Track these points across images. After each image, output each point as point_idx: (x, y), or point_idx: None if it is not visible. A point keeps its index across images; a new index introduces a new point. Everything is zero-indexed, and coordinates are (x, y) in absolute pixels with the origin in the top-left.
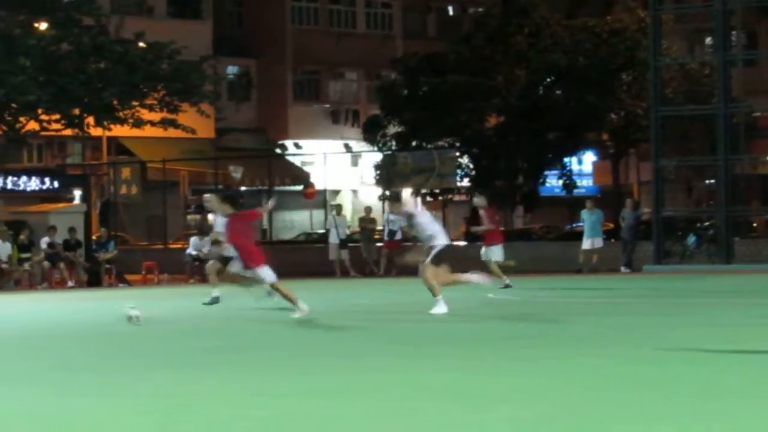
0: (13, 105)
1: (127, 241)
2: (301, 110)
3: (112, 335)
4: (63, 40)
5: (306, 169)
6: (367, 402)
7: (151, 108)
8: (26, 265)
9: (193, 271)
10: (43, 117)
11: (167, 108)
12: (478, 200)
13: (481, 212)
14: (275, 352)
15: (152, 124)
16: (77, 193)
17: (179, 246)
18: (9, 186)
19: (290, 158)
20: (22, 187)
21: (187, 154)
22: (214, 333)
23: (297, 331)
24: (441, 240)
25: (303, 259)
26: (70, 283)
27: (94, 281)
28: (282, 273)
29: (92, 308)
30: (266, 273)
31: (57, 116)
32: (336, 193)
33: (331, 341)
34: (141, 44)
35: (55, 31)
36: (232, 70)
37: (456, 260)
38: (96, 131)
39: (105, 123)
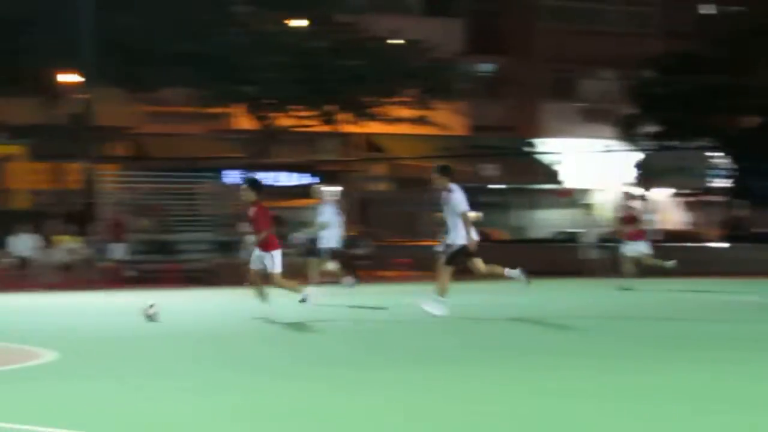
0: (268, 101)
1: (380, 238)
2: (553, 108)
3: (364, 331)
4: (318, 37)
5: (557, 167)
6: (612, 404)
7: (404, 105)
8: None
9: None
10: (298, 113)
11: (420, 105)
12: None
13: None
14: (516, 350)
15: (405, 121)
16: (330, 190)
17: (431, 243)
18: (264, 181)
19: (541, 157)
20: (275, 183)
21: (440, 152)
22: (458, 330)
23: (543, 330)
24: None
25: (555, 259)
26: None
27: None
28: (534, 271)
29: (344, 304)
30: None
31: (311, 113)
32: (588, 192)
33: (577, 341)
34: (395, 41)
35: (310, 27)
36: (484, 67)
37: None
38: (349, 128)
39: (357, 120)
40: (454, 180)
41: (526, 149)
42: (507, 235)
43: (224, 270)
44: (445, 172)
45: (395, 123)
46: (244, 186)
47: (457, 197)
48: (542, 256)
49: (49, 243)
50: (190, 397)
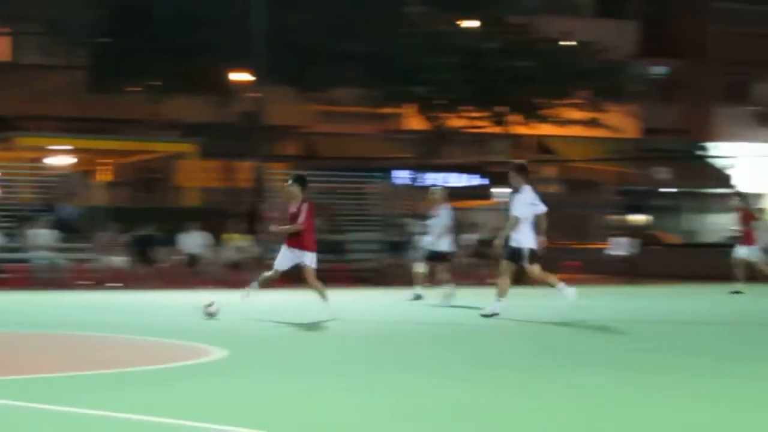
0: (439, 102)
1: (549, 240)
2: (726, 112)
3: (534, 332)
4: (490, 38)
5: (729, 171)
6: None
7: (575, 107)
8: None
9: (615, 271)
10: (468, 114)
11: (592, 107)
12: None
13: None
14: (697, 357)
15: (576, 123)
16: (500, 191)
17: (601, 246)
18: (433, 181)
19: (713, 160)
20: (446, 183)
21: (611, 154)
22: (633, 333)
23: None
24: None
25: (725, 263)
26: (493, 280)
27: (517, 279)
28: (703, 276)
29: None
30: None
31: (481, 114)
32: (761, 197)
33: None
34: (567, 43)
35: (482, 28)
36: (657, 70)
37: None
38: (519, 129)
39: (529, 121)
40: (528, 180)
41: (699, 153)
42: (678, 239)
43: (393, 270)
44: (521, 170)
45: (566, 125)
46: (290, 182)
47: (523, 198)
48: (714, 261)
49: (218, 241)
50: (356, 396)
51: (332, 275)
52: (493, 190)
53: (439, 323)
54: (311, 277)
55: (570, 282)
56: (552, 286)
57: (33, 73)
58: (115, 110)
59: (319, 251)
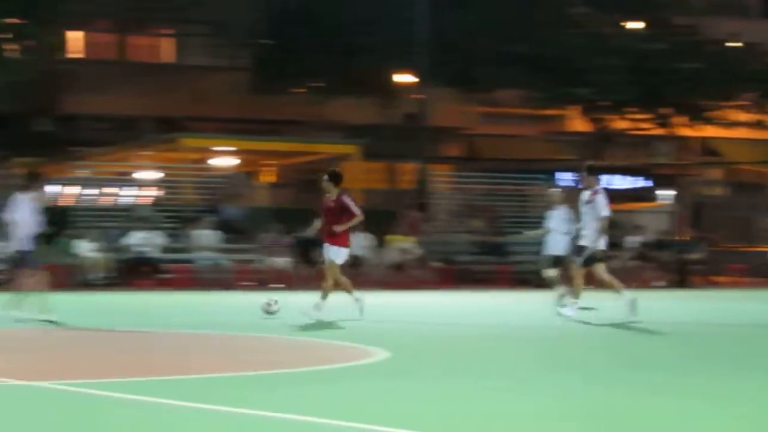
0: (603, 103)
1: (716, 243)
2: None
3: (693, 335)
4: (655, 40)
5: None
6: None
7: (741, 109)
8: (613, 264)
9: None
10: (632, 116)
11: (758, 109)
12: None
13: None
14: None
15: (742, 125)
16: (665, 193)
17: (766, 249)
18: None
19: None
20: (609, 186)
21: None
22: None
23: None
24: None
25: None
26: (657, 283)
27: (681, 281)
28: None
29: (674, 307)
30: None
31: (646, 116)
32: None
33: None
34: (733, 44)
35: (648, 30)
36: None
37: None
38: (684, 131)
39: (694, 123)
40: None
41: None
42: None
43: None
44: (593, 171)
45: (732, 127)
46: (325, 178)
47: (602, 200)
48: None
49: (381, 242)
50: (512, 398)
51: (494, 277)
52: (657, 192)
53: (596, 325)
54: (333, 271)
55: (734, 285)
56: (614, 291)
57: (197, 74)
58: (278, 111)
59: (480, 253)
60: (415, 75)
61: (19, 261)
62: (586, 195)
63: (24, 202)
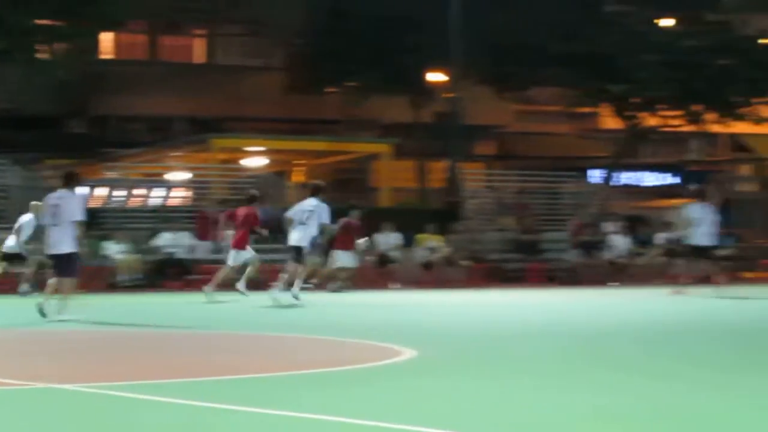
0: (635, 100)
1: (746, 239)
2: None
3: (728, 332)
4: (688, 36)
5: None
6: None
7: None
8: (642, 260)
9: None
10: (664, 113)
11: None
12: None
13: None
14: None
15: None
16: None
17: None
18: (628, 181)
19: None
20: (641, 183)
21: None
22: None
23: None
24: None
25: None
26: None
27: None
28: None
29: (708, 305)
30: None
31: (678, 112)
32: None
33: None
34: (765, 41)
35: (681, 26)
36: None
37: None
38: (716, 128)
39: (725, 120)
40: None
41: None
42: None
43: (585, 270)
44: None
45: (763, 123)
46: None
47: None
48: None
49: (412, 241)
50: (550, 396)
51: (527, 275)
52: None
53: (636, 322)
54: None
55: (764, 281)
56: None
57: (230, 74)
58: (311, 111)
59: (512, 250)
60: (449, 73)
61: (65, 263)
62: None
63: (70, 201)
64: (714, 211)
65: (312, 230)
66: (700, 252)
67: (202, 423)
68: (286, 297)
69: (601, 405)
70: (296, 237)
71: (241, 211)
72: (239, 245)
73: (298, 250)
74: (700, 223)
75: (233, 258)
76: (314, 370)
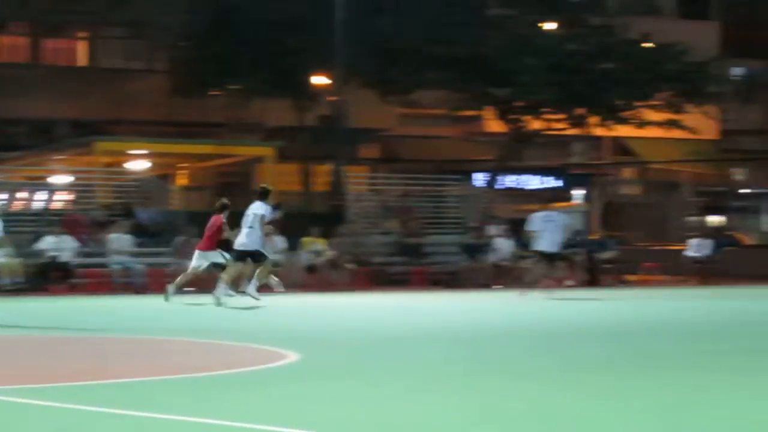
0: (519, 104)
1: (628, 242)
2: None
3: (615, 335)
4: (571, 40)
5: None
6: None
7: (655, 108)
8: (526, 263)
9: (692, 273)
10: (548, 116)
11: (672, 109)
12: None
13: None
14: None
15: (655, 124)
16: (579, 193)
17: (680, 247)
18: (512, 184)
19: None
20: (524, 186)
21: (689, 156)
22: (716, 335)
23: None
24: None
25: None
26: (568, 282)
27: (593, 281)
28: None
29: (591, 308)
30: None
31: (561, 116)
32: None
33: None
34: (647, 44)
35: (564, 30)
36: (738, 71)
37: None
38: (599, 131)
39: (608, 123)
40: None
41: None
42: (756, 239)
43: (470, 273)
44: None
45: (646, 126)
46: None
47: None
48: None
49: (296, 244)
50: (432, 399)
51: (411, 277)
52: (571, 192)
53: (519, 325)
54: None
55: (646, 284)
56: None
57: (114, 77)
58: (196, 114)
59: (397, 254)
60: (334, 77)
61: None
62: None
63: None
64: (563, 217)
65: (259, 233)
66: (547, 258)
67: (87, 427)
68: (230, 297)
69: (483, 408)
70: (244, 240)
71: (212, 219)
72: (204, 247)
73: (246, 253)
74: (545, 230)
75: (196, 259)
76: (199, 374)
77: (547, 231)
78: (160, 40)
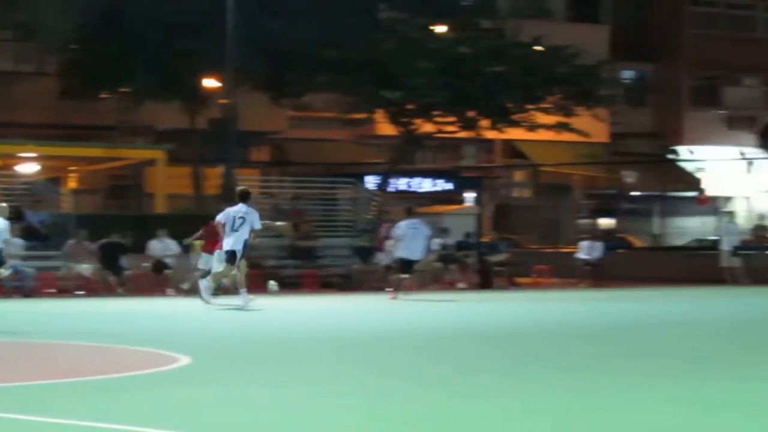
0: (411, 107)
1: (519, 244)
2: (696, 116)
3: (507, 337)
4: (461, 44)
5: (698, 175)
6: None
7: (546, 111)
8: (418, 265)
9: (584, 275)
10: (439, 119)
11: (563, 112)
12: None
13: None
14: (671, 360)
15: (547, 127)
16: (471, 196)
17: (571, 250)
18: (404, 187)
19: (683, 164)
20: (416, 188)
21: (581, 158)
22: (605, 338)
23: (687, 338)
24: None
25: (694, 266)
26: (460, 285)
27: (485, 283)
28: (672, 279)
29: (483, 311)
30: None
31: (453, 119)
32: (729, 200)
33: (726, 350)
34: (539, 47)
35: (455, 33)
36: (628, 74)
37: None
38: (490, 134)
39: (499, 126)
40: None
41: (669, 156)
42: (647, 242)
43: (362, 276)
44: None
45: (537, 129)
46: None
47: None
48: (681, 264)
49: (186, 248)
50: (323, 401)
51: (303, 280)
52: (463, 194)
53: (410, 327)
54: None
55: (536, 286)
56: None
57: (3, 80)
58: (87, 117)
59: (289, 256)
60: (225, 80)
61: None
62: None
63: None
64: (425, 226)
65: (245, 235)
66: (406, 264)
67: None
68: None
69: (373, 410)
70: (230, 242)
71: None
72: (207, 250)
73: (232, 254)
74: (407, 237)
75: (204, 262)
76: (90, 377)
77: (410, 238)
78: (50, 43)
